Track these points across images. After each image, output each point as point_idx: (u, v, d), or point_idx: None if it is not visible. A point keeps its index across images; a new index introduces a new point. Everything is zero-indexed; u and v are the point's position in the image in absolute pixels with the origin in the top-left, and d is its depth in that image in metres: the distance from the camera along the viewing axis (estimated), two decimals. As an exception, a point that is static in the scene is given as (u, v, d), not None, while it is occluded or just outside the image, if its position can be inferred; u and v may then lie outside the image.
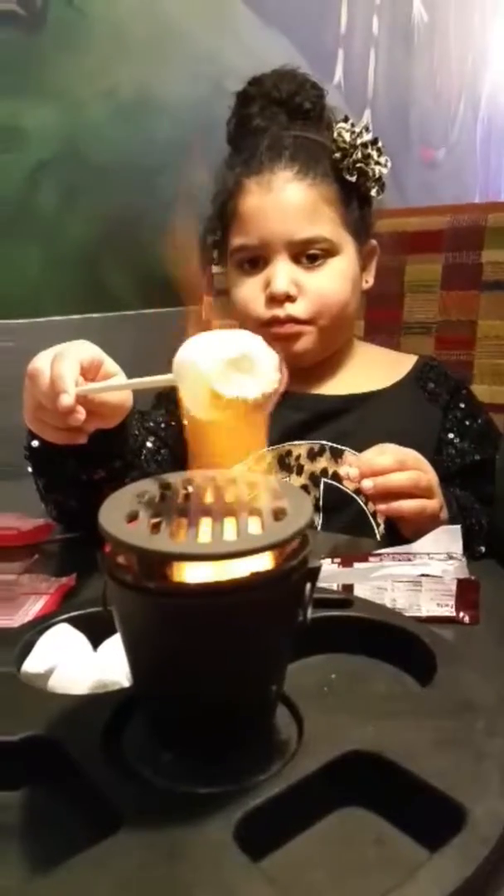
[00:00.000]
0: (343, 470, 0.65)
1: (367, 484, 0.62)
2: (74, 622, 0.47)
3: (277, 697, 0.37)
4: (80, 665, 0.43)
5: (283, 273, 0.80)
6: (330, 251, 0.81)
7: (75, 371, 0.55)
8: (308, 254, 0.80)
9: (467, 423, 0.85)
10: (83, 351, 0.57)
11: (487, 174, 2.43)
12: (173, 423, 0.84)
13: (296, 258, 0.81)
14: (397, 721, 0.37)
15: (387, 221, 0.94)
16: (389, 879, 0.29)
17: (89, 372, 0.57)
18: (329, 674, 0.44)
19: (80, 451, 0.61)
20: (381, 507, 0.64)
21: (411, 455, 0.65)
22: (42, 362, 0.56)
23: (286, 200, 0.80)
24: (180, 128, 1.17)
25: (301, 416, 0.83)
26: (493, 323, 0.95)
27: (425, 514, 0.64)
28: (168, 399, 0.85)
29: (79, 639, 0.46)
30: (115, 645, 0.44)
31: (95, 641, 0.45)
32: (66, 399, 0.53)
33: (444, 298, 0.98)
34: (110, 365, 0.59)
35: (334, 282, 0.81)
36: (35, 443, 0.67)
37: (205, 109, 1.15)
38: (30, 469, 0.70)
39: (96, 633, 0.45)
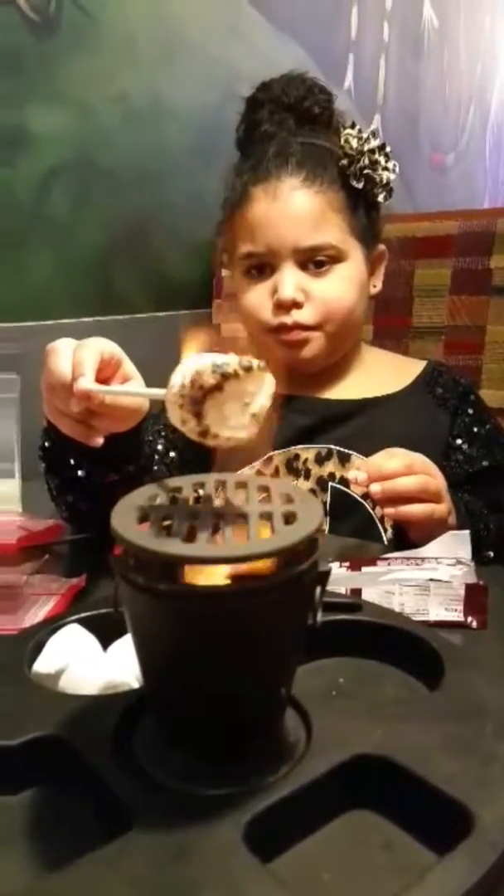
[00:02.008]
0: (351, 474, 0.64)
1: (375, 488, 0.62)
2: (85, 623, 0.47)
3: (286, 700, 0.37)
4: (90, 666, 0.43)
5: (289, 280, 0.80)
6: (336, 257, 0.81)
7: (96, 360, 0.55)
8: (315, 260, 0.80)
9: (475, 428, 0.85)
10: (105, 345, 0.57)
11: (497, 179, 2.43)
12: None
13: (302, 265, 0.81)
14: (405, 725, 0.37)
15: (396, 226, 0.95)
16: (397, 883, 0.29)
17: (108, 367, 0.57)
18: (337, 677, 0.44)
19: (93, 454, 0.62)
20: (389, 511, 0.64)
21: (419, 459, 0.65)
22: (62, 344, 0.57)
23: (293, 208, 0.80)
24: (191, 132, 1.18)
25: (309, 421, 0.83)
26: (502, 328, 0.95)
27: (433, 518, 0.64)
28: None
29: (89, 639, 0.46)
30: (125, 646, 0.44)
31: (105, 642, 0.46)
32: (84, 382, 0.52)
33: (452, 303, 0.98)
34: (129, 366, 0.59)
35: (341, 288, 0.81)
36: (48, 443, 0.67)
37: (215, 114, 1.16)
38: (42, 469, 0.70)
39: (106, 634, 0.45)
